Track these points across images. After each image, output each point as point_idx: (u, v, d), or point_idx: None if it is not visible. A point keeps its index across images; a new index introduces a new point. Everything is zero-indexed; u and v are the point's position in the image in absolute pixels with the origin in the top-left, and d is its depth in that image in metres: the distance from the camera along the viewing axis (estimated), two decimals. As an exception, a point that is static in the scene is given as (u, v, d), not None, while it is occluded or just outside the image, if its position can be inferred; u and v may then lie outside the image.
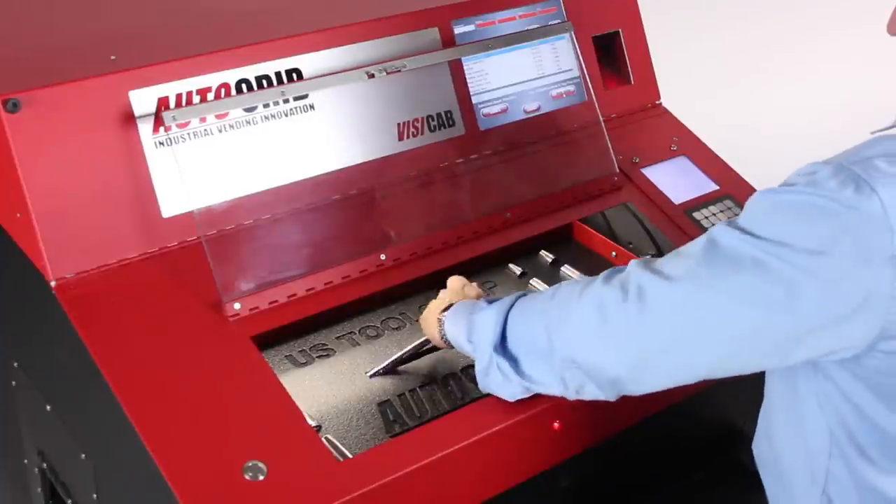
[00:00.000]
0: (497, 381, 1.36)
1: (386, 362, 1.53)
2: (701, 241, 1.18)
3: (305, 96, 1.66)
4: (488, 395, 1.46)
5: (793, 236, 1.10)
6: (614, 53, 2.07)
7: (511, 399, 1.38)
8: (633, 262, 1.24)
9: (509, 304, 1.36)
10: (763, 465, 1.35)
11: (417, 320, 1.64)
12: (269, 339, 1.53)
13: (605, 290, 1.23)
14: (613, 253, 1.82)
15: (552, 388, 1.33)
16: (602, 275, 1.27)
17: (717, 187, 1.94)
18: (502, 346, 1.34)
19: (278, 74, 1.64)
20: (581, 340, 1.25)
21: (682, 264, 1.18)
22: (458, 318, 1.42)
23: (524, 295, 1.38)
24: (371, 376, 1.52)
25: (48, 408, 1.60)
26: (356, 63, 1.69)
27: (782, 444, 1.28)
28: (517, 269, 1.78)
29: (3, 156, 1.43)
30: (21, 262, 1.49)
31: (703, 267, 1.16)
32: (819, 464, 1.22)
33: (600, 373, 1.25)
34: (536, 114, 1.92)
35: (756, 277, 1.11)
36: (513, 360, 1.34)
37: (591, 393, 1.29)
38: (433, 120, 1.79)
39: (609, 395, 1.28)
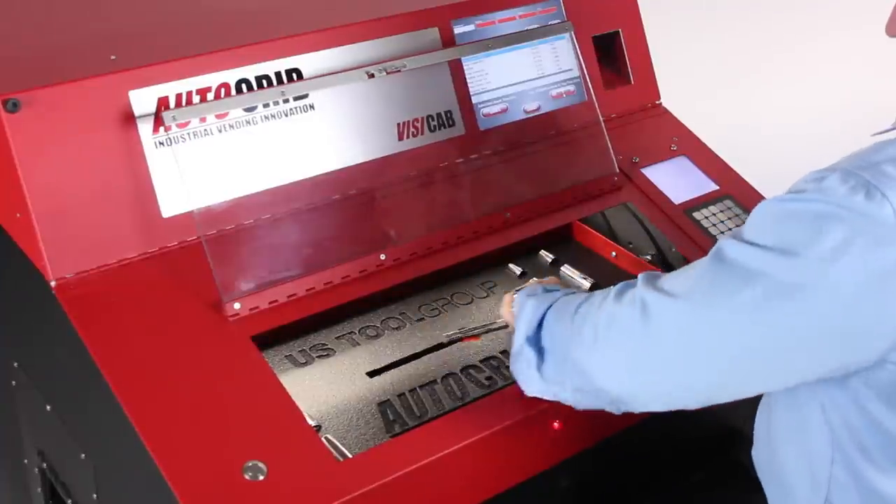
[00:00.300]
0: (522, 368, 1.35)
1: (460, 329, 1.59)
2: (708, 256, 1.17)
3: (305, 96, 1.66)
4: (488, 394, 1.46)
5: (801, 245, 1.07)
6: (614, 53, 2.07)
7: (527, 392, 1.37)
8: (641, 277, 1.24)
9: (551, 302, 1.35)
10: (763, 471, 1.34)
11: (418, 320, 1.64)
12: (269, 339, 1.53)
13: (615, 305, 1.23)
14: (613, 253, 1.82)
15: (561, 396, 1.33)
16: (616, 288, 1.27)
17: (717, 187, 1.94)
18: (535, 337, 1.34)
19: (278, 74, 1.64)
20: (589, 354, 1.25)
21: (687, 280, 1.17)
22: (521, 297, 1.41)
23: (573, 293, 1.37)
24: (446, 336, 1.58)
25: (48, 408, 1.60)
26: (356, 63, 1.69)
27: (784, 451, 1.27)
28: (517, 269, 1.78)
29: (3, 156, 1.43)
30: (21, 262, 1.49)
31: (705, 282, 1.15)
32: (822, 470, 1.21)
33: (602, 387, 1.25)
34: (536, 114, 1.92)
35: (761, 290, 1.09)
36: (540, 355, 1.34)
37: (596, 405, 1.29)
38: (433, 120, 1.79)
39: (612, 409, 1.28)
